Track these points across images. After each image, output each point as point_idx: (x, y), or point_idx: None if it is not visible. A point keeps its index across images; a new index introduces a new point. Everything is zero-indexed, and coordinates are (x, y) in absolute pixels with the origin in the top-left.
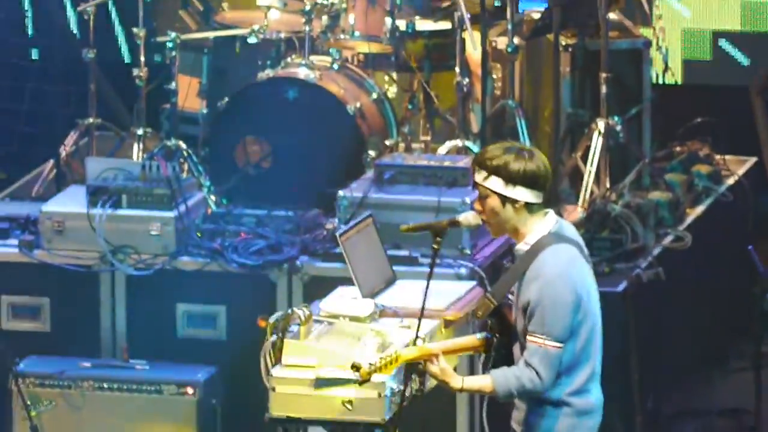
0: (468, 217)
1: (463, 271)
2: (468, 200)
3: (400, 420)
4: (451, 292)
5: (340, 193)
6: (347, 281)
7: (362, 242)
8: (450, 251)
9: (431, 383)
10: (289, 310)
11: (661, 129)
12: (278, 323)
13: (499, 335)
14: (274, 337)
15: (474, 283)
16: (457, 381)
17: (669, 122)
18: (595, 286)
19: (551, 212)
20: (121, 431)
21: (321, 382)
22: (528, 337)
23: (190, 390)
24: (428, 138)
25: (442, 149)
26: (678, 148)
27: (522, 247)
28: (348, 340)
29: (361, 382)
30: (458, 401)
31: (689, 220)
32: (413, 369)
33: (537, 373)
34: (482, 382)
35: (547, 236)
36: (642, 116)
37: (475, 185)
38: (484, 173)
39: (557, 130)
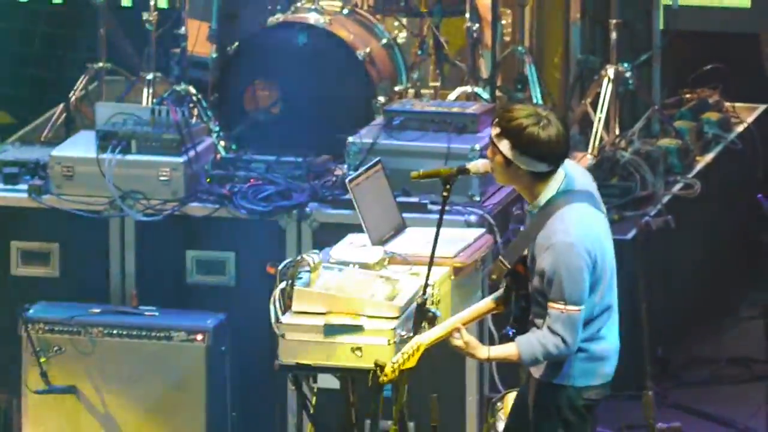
0: (477, 165)
1: (472, 218)
2: (477, 147)
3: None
4: (460, 239)
5: (350, 139)
6: (356, 228)
7: (371, 189)
8: (459, 198)
9: None
10: (299, 257)
11: (671, 76)
12: (288, 270)
13: (515, 292)
14: (283, 284)
15: (483, 230)
16: (483, 351)
17: (679, 69)
18: (608, 233)
19: (561, 167)
20: (130, 377)
21: (330, 330)
22: (549, 304)
23: (199, 336)
24: (438, 84)
25: (452, 95)
26: (688, 95)
27: (532, 209)
28: (357, 287)
29: (388, 381)
30: None
31: (698, 167)
32: (423, 317)
33: (562, 339)
34: (508, 350)
35: (557, 196)
36: (652, 63)
37: (490, 136)
38: (498, 130)
39: (567, 77)
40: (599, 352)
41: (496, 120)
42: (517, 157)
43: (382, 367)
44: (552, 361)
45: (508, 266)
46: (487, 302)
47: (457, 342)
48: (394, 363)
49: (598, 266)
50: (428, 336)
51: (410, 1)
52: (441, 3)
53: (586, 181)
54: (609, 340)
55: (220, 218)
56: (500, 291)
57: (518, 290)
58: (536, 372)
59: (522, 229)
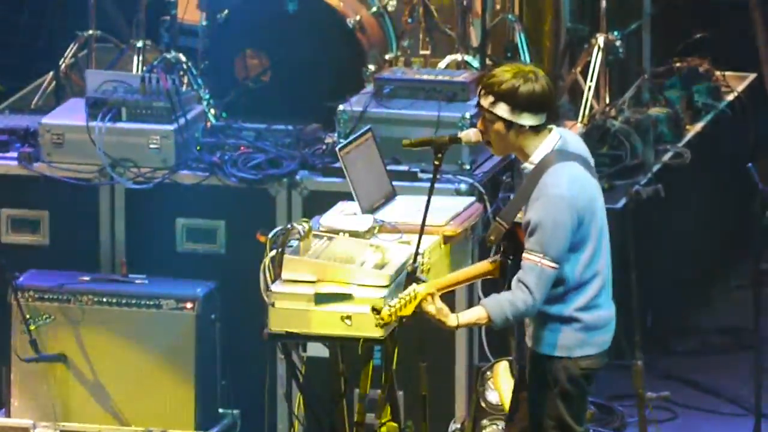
0: (469, 134)
1: (462, 186)
2: (468, 115)
3: (399, 336)
4: (450, 207)
5: (340, 107)
6: (347, 196)
7: (362, 157)
8: (449, 166)
9: None
10: (289, 225)
11: (661, 44)
12: (277, 238)
13: (512, 257)
14: (273, 252)
15: (473, 198)
16: (452, 319)
17: (669, 37)
18: (601, 199)
19: (555, 128)
20: (120, 346)
21: (320, 298)
22: (525, 255)
23: (189, 305)
24: (428, 52)
25: (442, 63)
26: (678, 64)
27: (527, 166)
28: (347, 255)
29: (383, 325)
30: None
31: (689, 136)
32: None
33: (530, 292)
34: (477, 314)
35: (551, 154)
36: (642, 31)
37: (480, 108)
38: (491, 98)
39: (557, 45)
40: (593, 322)
41: (484, 89)
42: (518, 116)
43: (378, 311)
44: (545, 333)
45: (507, 226)
46: (484, 264)
47: (430, 308)
48: (391, 307)
49: (584, 226)
50: (425, 288)
51: None
52: None
53: (581, 147)
54: (603, 309)
55: (210, 186)
56: (498, 255)
57: (514, 255)
58: (534, 345)
59: (518, 189)
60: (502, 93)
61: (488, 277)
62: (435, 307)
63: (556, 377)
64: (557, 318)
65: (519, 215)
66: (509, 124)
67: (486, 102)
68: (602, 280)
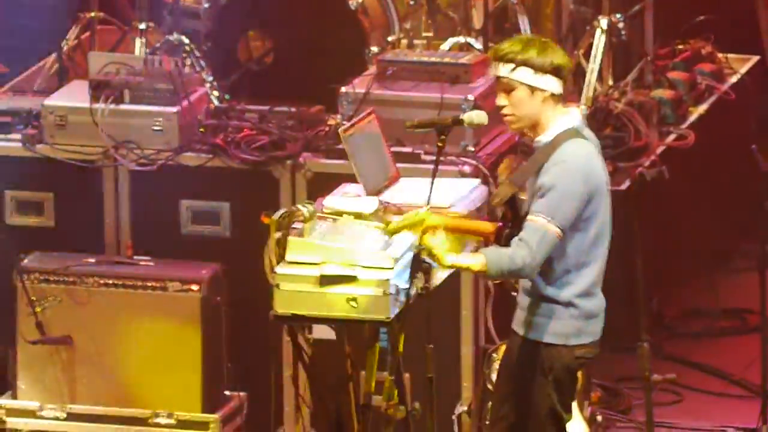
0: (472, 116)
1: (466, 168)
2: (471, 97)
3: (405, 318)
4: (455, 189)
5: (343, 89)
6: (351, 178)
7: (365, 138)
8: (453, 148)
9: (436, 281)
10: (293, 207)
11: (664, 26)
12: (282, 220)
13: (511, 225)
14: (278, 234)
15: (478, 180)
16: (448, 258)
17: (671, 20)
18: (608, 188)
19: (575, 109)
20: (126, 328)
21: (325, 280)
22: (530, 217)
23: (194, 287)
24: (430, 34)
25: (445, 46)
26: (680, 46)
27: (542, 138)
28: (352, 237)
29: (390, 235)
30: (463, 298)
31: (692, 118)
32: (418, 267)
33: (531, 251)
34: (474, 260)
35: (571, 130)
36: (644, 13)
37: (498, 79)
38: (510, 65)
39: (560, 28)
40: (590, 309)
41: (501, 60)
42: (541, 80)
43: (387, 223)
44: (542, 320)
45: (517, 188)
46: (487, 224)
47: (431, 240)
48: (398, 222)
49: (593, 205)
50: (434, 219)
51: None
52: None
53: (594, 137)
54: (599, 297)
55: (213, 168)
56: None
57: (512, 224)
58: (528, 332)
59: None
60: (525, 59)
61: (484, 239)
62: (438, 241)
63: (551, 365)
64: (556, 303)
65: (522, 196)
66: (532, 89)
67: (506, 70)
68: (601, 266)
